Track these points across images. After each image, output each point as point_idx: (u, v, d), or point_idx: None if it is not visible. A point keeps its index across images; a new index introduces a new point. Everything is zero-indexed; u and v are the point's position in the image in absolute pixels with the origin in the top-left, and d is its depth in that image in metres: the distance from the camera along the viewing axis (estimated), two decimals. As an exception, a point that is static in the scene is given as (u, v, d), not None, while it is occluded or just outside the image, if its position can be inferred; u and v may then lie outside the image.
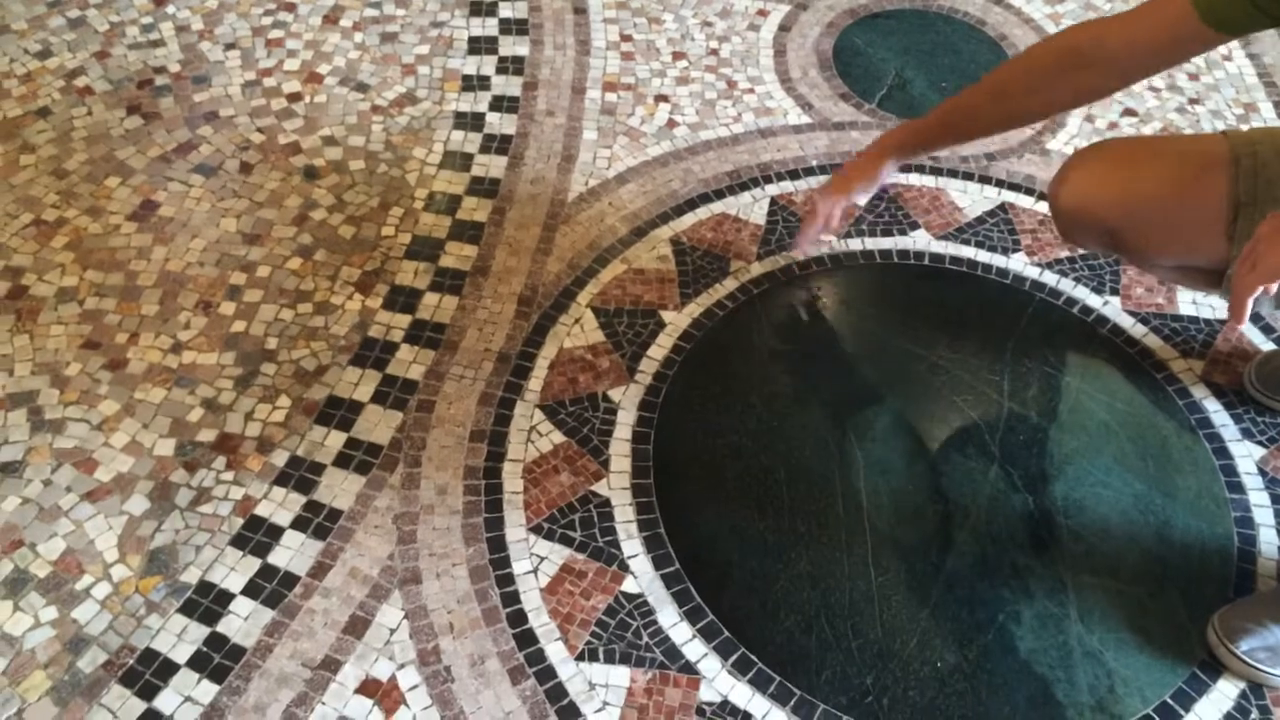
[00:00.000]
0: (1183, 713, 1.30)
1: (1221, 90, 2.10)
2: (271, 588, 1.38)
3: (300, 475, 1.48)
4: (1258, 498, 1.49)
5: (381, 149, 1.90)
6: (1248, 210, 1.22)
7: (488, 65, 2.06)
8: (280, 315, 1.65)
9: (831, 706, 1.30)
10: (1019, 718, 1.30)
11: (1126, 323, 1.69)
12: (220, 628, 1.34)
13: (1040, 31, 2.19)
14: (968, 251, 1.79)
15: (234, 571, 1.39)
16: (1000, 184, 1.90)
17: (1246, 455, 1.54)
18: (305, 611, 1.36)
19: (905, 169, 1.92)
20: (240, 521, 1.44)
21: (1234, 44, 2.20)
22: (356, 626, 1.35)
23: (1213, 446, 1.55)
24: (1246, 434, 1.56)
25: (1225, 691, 1.32)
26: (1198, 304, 1.72)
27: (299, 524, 1.44)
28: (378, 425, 1.54)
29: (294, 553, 1.41)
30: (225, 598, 1.37)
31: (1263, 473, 1.52)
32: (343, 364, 1.60)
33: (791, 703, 1.30)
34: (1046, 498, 1.49)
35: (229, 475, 1.48)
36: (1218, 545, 1.45)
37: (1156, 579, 1.41)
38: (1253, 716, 1.30)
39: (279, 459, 1.50)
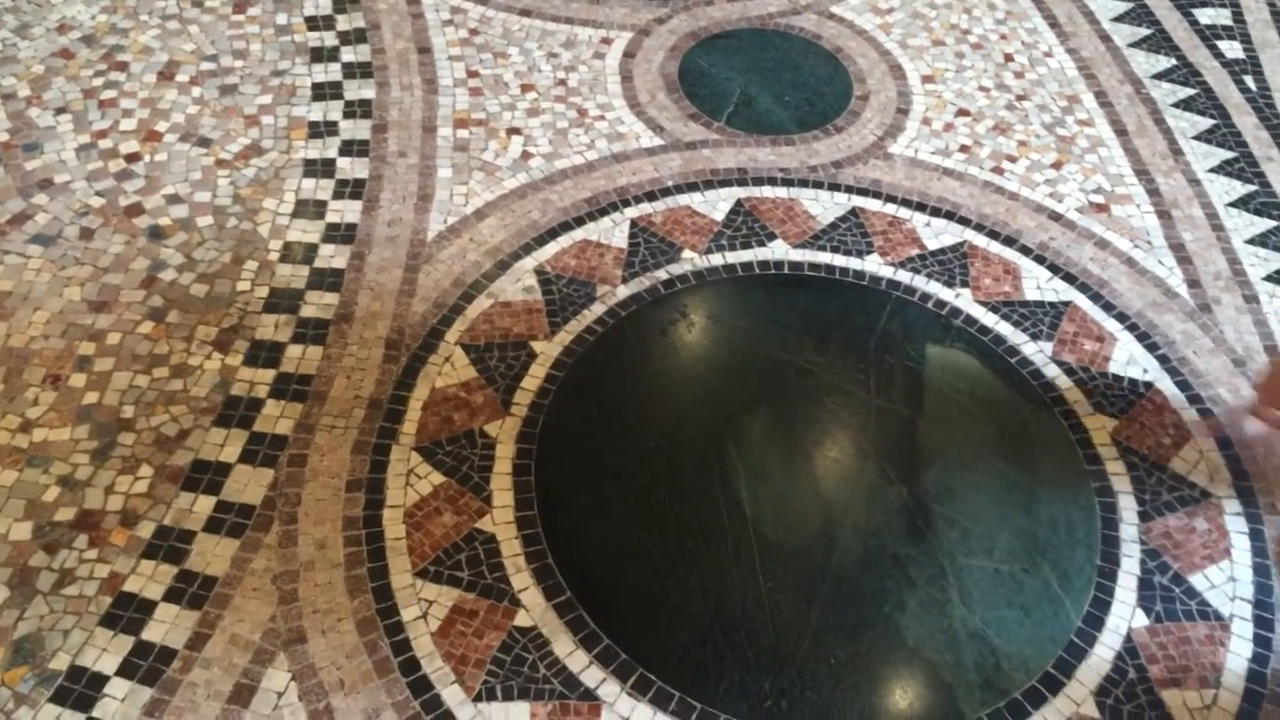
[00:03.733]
0: (1065, 680, 1.35)
1: (1046, 85, 2.21)
2: (148, 665, 1.32)
3: (169, 545, 1.43)
4: (1114, 466, 1.57)
5: (230, 203, 1.86)
6: None
7: (334, 110, 2.04)
8: (135, 382, 1.59)
9: (732, 715, 1.31)
10: (913, 703, 1.33)
11: (978, 312, 1.76)
12: (96, 712, 1.28)
13: (873, 42, 2.28)
14: (824, 257, 1.84)
15: (106, 652, 1.33)
16: (850, 190, 1.96)
17: (1100, 427, 1.61)
18: (186, 685, 1.31)
19: (759, 181, 1.96)
20: (109, 600, 1.37)
21: (1054, 40, 2.32)
22: (242, 694, 1.30)
23: (1069, 422, 1.62)
24: (1099, 408, 1.64)
25: (1102, 655, 1.38)
26: (1042, 289, 1.80)
27: (172, 595, 1.38)
28: (248, 485, 1.49)
29: (169, 626, 1.35)
30: (99, 681, 1.30)
31: (1117, 442, 1.60)
32: (206, 426, 1.55)
33: (693, 716, 1.31)
34: (919, 487, 1.54)
35: (93, 553, 1.41)
36: (1083, 515, 1.52)
37: (1029, 554, 1.47)
38: (1130, 676, 1.36)
39: (145, 531, 1.44)
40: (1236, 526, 1.51)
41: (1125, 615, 1.42)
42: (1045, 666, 1.37)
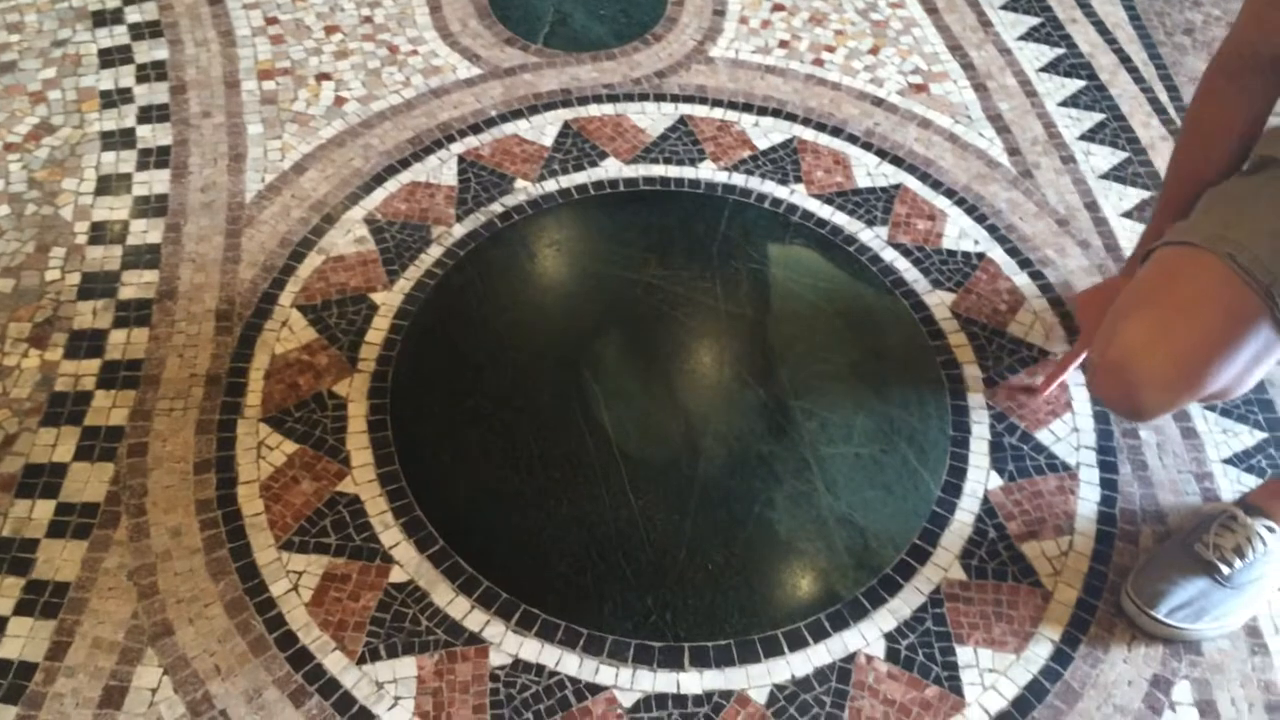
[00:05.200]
0: (931, 549, 1.41)
1: (855, -28, 2.22)
2: (8, 683, 1.26)
3: (12, 557, 1.35)
4: (956, 339, 1.62)
5: (25, 188, 1.73)
6: None
7: (126, 76, 1.91)
8: (-53, 392, 1.49)
9: (620, 635, 1.32)
10: (791, 593, 1.36)
11: (814, 206, 1.78)
12: (-43, 743, 1.22)
13: (682, -56, 2.24)
14: (658, 170, 1.83)
15: (-40, 679, 1.26)
16: (675, 99, 1.94)
17: (940, 303, 1.66)
18: (52, 698, 1.25)
19: (584, 101, 1.93)
20: (-46, 625, 1.30)
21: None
22: (113, 697, 1.25)
23: (910, 302, 1.66)
24: (936, 284, 1.68)
25: (963, 520, 1.43)
26: (872, 175, 1.83)
27: (23, 608, 1.31)
28: (88, 483, 1.42)
29: (24, 640, 1.29)
30: (-44, 710, 1.24)
31: (956, 315, 1.65)
32: (33, 428, 1.46)
33: (581, 642, 1.31)
34: (776, 386, 1.56)
35: (-72, 579, 1.33)
36: (931, 390, 1.56)
37: (886, 435, 1.51)
38: (990, 536, 1.42)
39: (-17, 546, 1.36)
40: (1075, 379, 1.58)
41: (981, 479, 1.48)
42: (911, 539, 1.42)
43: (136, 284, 1.62)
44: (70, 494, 1.41)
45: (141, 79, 1.91)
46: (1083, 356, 1.51)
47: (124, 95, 1.88)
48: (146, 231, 1.69)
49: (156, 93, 1.89)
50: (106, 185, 1.75)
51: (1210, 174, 1.32)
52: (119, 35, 1.98)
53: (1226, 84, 1.27)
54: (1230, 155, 1.31)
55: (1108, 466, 1.50)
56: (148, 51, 1.96)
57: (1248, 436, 1.53)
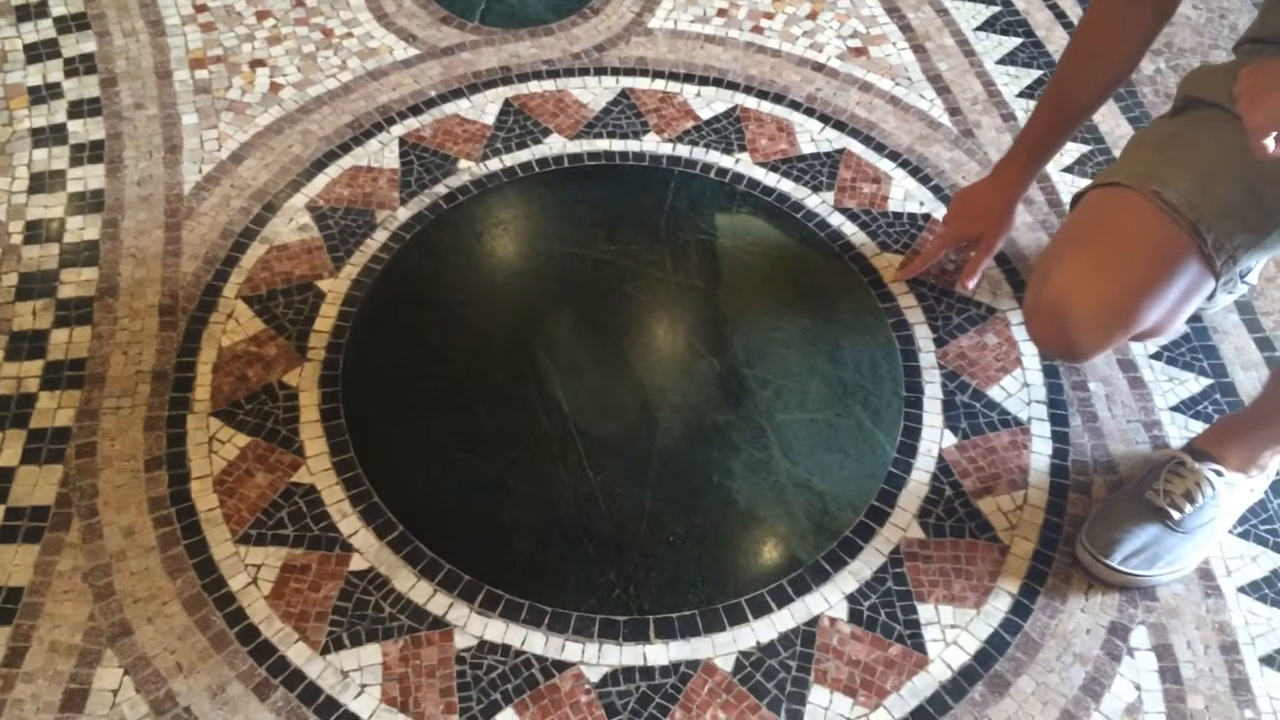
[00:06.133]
0: (889, 510, 1.42)
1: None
2: (-36, 695, 1.24)
3: (-39, 566, 1.33)
4: (906, 301, 1.63)
5: (-46, 190, 1.70)
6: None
7: (54, 71, 1.87)
8: (-116, 402, 1.46)
9: (584, 611, 1.32)
10: (753, 561, 1.37)
11: (759, 174, 1.78)
12: (-86, 757, 1.20)
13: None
14: (602, 144, 1.82)
15: (-86, 692, 1.24)
16: (616, 72, 1.93)
17: (888, 266, 1.67)
18: (11, 704, 1.23)
19: (524, 77, 1.91)
20: (-95, 637, 1.28)
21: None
22: (74, 700, 1.23)
23: (859, 266, 1.67)
24: (884, 247, 1.69)
25: (919, 480, 1.45)
26: (816, 141, 1.83)
27: (-24, 617, 1.29)
28: (36, 486, 1.39)
29: (-21, 649, 1.27)
30: (-89, 723, 1.22)
31: (905, 277, 1.66)
32: (-24, 433, 1.44)
33: (546, 620, 1.32)
34: (730, 356, 1.56)
35: (-125, 592, 1.31)
36: (884, 352, 1.57)
37: (840, 399, 1.52)
38: (947, 494, 1.44)
39: (-70, 557, 1.33)
40: (1023, 335, 1.60)
41: (935, 438, 1.49)
42: (869, 501, 1.43)
43: (76, 282, 1.59)
44: (19, 498, 1.38)
45: (70, 73, 1.87)
46: (942, 251, 1.62)
47: (53, 90, 1.84)
48: (83, 228, 1.66)
49: (86, 86, 1.85)
50: (40, 183, 1.71)
51: (1084, 98, 1.38)
52: (44, 29, 1.93)
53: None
54: (1107, 80, 1.36)
55: (1058, 420, 1.52)
56: (75, 45, 1.91)
57: (1193, 383, 1.56)
